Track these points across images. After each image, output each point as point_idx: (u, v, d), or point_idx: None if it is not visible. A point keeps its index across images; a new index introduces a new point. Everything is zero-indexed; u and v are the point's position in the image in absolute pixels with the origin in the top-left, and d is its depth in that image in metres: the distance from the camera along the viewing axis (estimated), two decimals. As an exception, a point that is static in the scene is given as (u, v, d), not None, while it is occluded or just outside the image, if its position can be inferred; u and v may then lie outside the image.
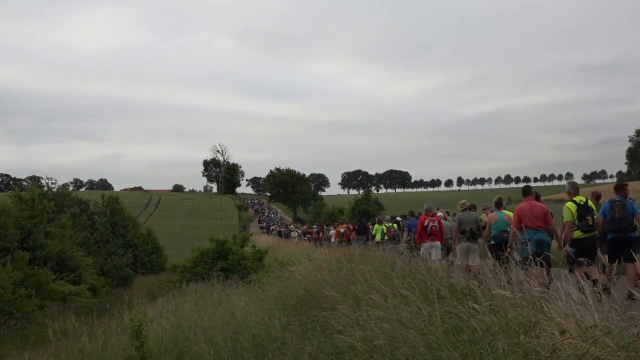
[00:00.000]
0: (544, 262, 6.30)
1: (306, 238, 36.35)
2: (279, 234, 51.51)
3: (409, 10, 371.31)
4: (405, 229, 13.50)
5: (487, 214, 11.05)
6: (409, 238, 11.90)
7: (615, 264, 7.76)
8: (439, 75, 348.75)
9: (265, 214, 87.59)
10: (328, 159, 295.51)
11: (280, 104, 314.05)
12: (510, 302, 3.71)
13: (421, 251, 10.35)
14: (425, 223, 10.86)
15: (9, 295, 14.29)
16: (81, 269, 21.07)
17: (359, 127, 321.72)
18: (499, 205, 9.74)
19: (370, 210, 49.19)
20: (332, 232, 23.47)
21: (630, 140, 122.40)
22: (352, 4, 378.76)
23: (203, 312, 9.41)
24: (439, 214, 12.71)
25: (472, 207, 10.87)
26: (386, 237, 15.10)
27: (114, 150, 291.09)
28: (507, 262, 4.89)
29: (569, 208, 7.52)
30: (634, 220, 7.97)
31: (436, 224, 10.90)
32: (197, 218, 78.73)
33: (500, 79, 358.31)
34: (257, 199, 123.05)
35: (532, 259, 5.10)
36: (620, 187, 8.29)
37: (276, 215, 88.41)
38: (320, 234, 28.90)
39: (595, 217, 7.63)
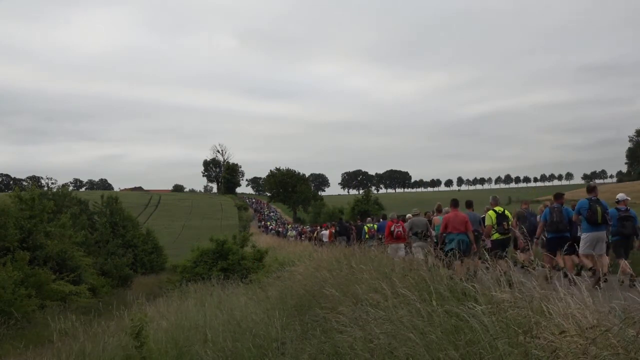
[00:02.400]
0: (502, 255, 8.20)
1: (302, 238, 37.75)
2: (277, 233, 51.85)
3: (409, 10, 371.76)
4: (377, 230, 15.73)
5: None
6: (380, 237, 14.30)
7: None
8: (439, 75, 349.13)
9: (265, 213, 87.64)
10: (328, 159, 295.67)
11: (280, 104, 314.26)
12: (510, 302, 3.72)
13: (389, 251, 11.76)
14: (392, 228, 12.68)
15: (9, 295, 14.30)
16: (81, 269, 21.08)
17: (359, 127, 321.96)
18: (439, 210, 12.00)
19: (370, 210, 49.16)
20: (325, 232, 25.25)
21: (630, 140, 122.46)
22: (352, 4, 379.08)
23: (203, 312, 9.41)
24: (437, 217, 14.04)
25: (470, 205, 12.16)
26: (367, 236, 16.72)
27: (114, 150, 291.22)
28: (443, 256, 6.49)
29: (490, 216, 9.96)
30: (568, 222, 9.52)
31: (400, 229, 12.62)
32: (197, 218, 78.74)
33: (500, 79, 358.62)
34: (254, 199, 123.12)
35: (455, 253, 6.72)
36: (558, 196, 10.00)
37: (275, 214, 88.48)
38: (315, 234, 30.41)
39: (510, 222, 9.98)
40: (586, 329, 3.05)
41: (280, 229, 55.23)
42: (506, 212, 10.08)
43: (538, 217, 11.26)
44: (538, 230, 10.06)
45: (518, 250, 11.49)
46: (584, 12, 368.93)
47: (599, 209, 8.66)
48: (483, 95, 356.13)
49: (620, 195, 9.57)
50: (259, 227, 68.05)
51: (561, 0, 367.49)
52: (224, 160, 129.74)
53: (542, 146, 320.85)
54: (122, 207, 35.09)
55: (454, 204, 10.20)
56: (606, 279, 8.09)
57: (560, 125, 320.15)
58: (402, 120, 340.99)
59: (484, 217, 10.81)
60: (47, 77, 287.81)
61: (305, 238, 35.81)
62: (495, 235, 9.82)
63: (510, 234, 9.99)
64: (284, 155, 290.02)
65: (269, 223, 68.96)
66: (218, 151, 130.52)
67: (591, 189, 9.13)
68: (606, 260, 8.92)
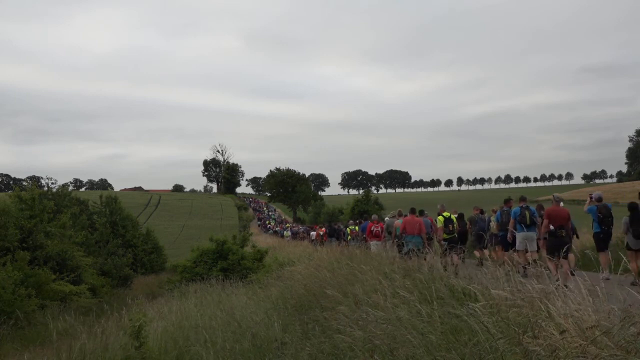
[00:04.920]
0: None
1: (296, 237, 40.14)
2: (275, 232, 52.48)
3: (411, 11, 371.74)
4: (360, 230, 17.88)
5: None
6: (363, 237, 16.55)
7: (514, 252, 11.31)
8: (440, 76, 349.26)
9: (265, 213, 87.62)
10: (328, 159, 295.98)
11: (280, 104, 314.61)
12: (509, 302, 3.71)
13: (371, 246, 13.48)
14: (372, 228, 14.93)
15: (9, 295, 14.27)
16: (81, 269, 21.04)
17: (359, 127, 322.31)
18: (400, 215, 14.13)
19: (370, 210, 49.13)
20: (313, 233, 28.66)
21: (630, 140, 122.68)
22: (354, 6, 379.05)
23: (203, 313, 9.40)
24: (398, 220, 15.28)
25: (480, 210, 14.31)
26: (349, 237, 18.75)
27: (115, 150, 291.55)
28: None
29: (439, 220, 12.51)
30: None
31: (379, 228, 14.83)
32: (197, 218, 78.67)
33: (500, 79, 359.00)
34: (251, 198, 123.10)
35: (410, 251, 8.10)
36: (507, 201, 12.36)
37: (274, 213, 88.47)
38: (307, 235, 34.31)
39: (455, 225, 12.56)
40: (586, 329, 3.04)
41: (277, 229, 55.66)
42: (452, 216, 12.64)
43: (492, 217, 13.23)
44: (509, 229, 11.87)
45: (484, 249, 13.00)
46: (584, 12, 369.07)
47: (527, 213, 10.90)
48: (483, 96, 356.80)
49: (555, 196, 11.22)
50: (259, 225, 68.25)
51: (562, 0, 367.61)
52: (224, 160, 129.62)
53: (542, 146, 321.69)
54: (121, 207, 35.03)
55: (412, 211, 12.51)
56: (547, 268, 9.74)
57: (560, 126, 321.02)
58: (402, 120, 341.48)
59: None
60: (49, 78, 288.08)
61: (299, 238, 38.24)
62: (443, 235, 12.27)
63: (454, 234, 12.41)
64: (284, 155, 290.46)
65: (267, 222, 69.05)
66: (218, 151, 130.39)
67: (522, 199, 11.50)
68: (535, 255, 10.69)
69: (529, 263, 8.28)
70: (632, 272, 8.94)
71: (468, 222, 13.72)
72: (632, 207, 9.89)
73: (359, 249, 11.16)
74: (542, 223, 10.48)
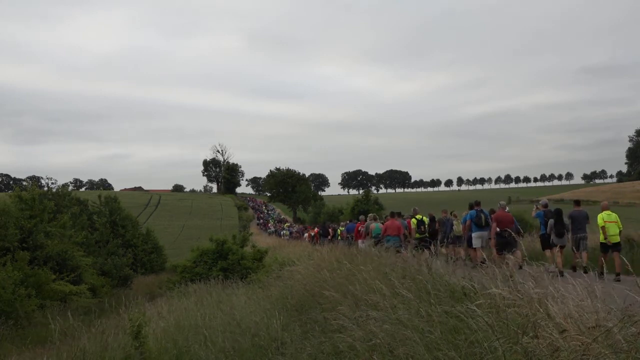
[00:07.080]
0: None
1: (293, 236, 42.33)
2: (275, 232, 52.86)
3: (411, 11, 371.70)
4: (345, 230, 20.00)
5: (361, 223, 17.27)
6: (347, 236, 18.29)
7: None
8: (440, 76, 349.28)
9: (265, 212, 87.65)
10: (328, 159, 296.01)
11: (281, 104, 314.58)
12: (509, 302, 3.71)
13: (359, 245, 14.66)
14: (360, 228, 16.21)
15: (9, 295, 14.28)
16: (81, 269, 21.04)
17: (359, 127, 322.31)
18: (375, 219, 15.78)
19: (370, 210, 49.08)
20: (306, 234, 31.24)
21: (630, 140, 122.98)
22: (354, 6, 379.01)
23: (203, 312, 9.40)
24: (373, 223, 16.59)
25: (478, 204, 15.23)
26: (339, 237, 20.46)
27: (115, 151, 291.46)
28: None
29: (413, 222, 14.43)
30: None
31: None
32: (197, 218, 78.59)
33: (500, 79, 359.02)
34: (249, 197, 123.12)
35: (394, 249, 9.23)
36: (477, 204, 13.44)
37: (274, 212, 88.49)
38: (301, 235, 37.67)
39: (427, 226, 14.40)
40: (587, 328, 3.05)
41: (277, 228, 55.98)
42: (424, 218, 14.63)
43: (455, 221, 14.45)
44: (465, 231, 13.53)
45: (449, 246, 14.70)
46: (585, 12, 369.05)
47: (482, 216, 12.71)
48: (483, 96, 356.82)
49: (501, 203, 12.41)
50: (258, 224, 68.32)
51: (561, 1, 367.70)
52: (224, 160, 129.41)
53: (542, 146, 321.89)
54: (121, 206, 35.00)
55: (392, 215, 13.98)
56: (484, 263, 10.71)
57: (560, 126, 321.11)
58: (402, 120, 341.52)
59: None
60: (49, 78, 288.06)
61: (295, 237, 40.19)
62: (416, 235, 14.08)
63: (426, 234, 14.12)
64: (284, 155, 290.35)
65: (268, 222, 69.15)
66: (218, 151, 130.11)
67: (477, 204, 13.15)
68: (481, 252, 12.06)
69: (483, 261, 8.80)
70: (557, 265, 10.92)
71: (437, 224, 15.42)
72: (557, 212, 11.57)
73: (356, 249, 11.37)
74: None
